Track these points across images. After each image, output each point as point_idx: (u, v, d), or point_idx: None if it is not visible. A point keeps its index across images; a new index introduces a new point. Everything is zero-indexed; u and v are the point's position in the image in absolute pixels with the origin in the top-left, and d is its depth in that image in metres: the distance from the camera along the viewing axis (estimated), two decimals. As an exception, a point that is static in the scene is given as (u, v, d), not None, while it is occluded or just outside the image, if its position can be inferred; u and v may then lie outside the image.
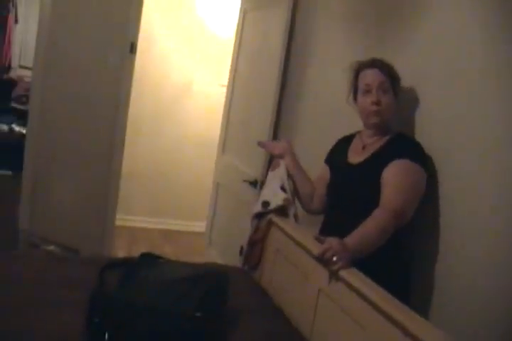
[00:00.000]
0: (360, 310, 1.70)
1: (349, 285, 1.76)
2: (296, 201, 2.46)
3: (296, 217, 2.41)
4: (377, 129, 2.15)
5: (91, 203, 4.06)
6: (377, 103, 2.07)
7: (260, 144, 2.72)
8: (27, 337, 1.75)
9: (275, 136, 3.40)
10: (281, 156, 2.49)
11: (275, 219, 2.39)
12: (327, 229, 2.21)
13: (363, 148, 2.18)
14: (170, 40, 5.11)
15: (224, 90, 4.55)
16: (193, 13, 5.14)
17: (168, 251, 4.42)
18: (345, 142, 2.32)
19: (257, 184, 3.33)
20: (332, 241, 1.81)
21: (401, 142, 2.09)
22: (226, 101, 4.13)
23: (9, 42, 5.82)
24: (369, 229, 1.90)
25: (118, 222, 4.28)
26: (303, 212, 2.50)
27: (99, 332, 1.78)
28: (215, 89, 5.13)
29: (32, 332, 1.78)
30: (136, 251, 4.35)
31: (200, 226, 5.00)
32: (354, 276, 1.79)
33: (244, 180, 3.44)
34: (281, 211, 2.40)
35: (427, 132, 2.12)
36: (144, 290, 1.87)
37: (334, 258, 1.79)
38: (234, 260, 3.03)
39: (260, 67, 3.61)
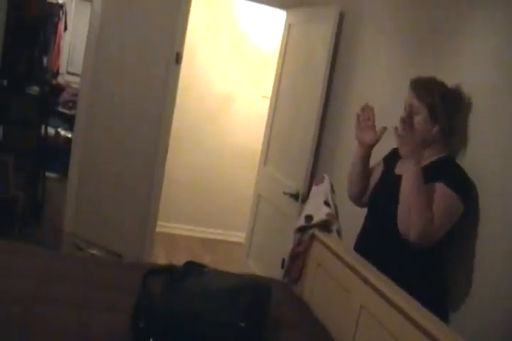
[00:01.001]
0: (401, 329, 1.71)
1: (391, 303, 1.77)
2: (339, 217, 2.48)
3: (339, 232, 2.42)
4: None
5: (133, 209, 4.16)
6: (403, 122, 2.05)
7: (359, 118, 2.36)
8: (73, 336, 1.80)
9: (318, 150, 3.43)
10: (369, 146, 2.35)
11: (318, 233, 2.42)
12: (364, 237, 2.24)
13: None
14: (213, 51, 5.19)
15: (266, 101, 4.60)
16: (236, 26, 5.21)
17: (206, 259, 4.46)
18: None
19: (298, 197, 3.36)
20: None
21: (444, 166, 2.10)
22: (269, 114, 4.17)
23: (58, 49, 5.98)
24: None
25: (158, 229, 4.37)
26: (346, 228, 2.52)
27: (143, 337, 1.83)
28: (257, 101, 5.19)
29: (78, 331, 1.84)
30: (174, 258, 4.46)
31: (238, 236, 5.07)
32: (396, 294, 1.80)
33: (285, 193, 3.47)
34: (324, 226, 2.42)
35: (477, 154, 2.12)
36: (189, 298, 1.90)
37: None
38: (272, 272, 3.06)
39: (305, 80, 3.64)
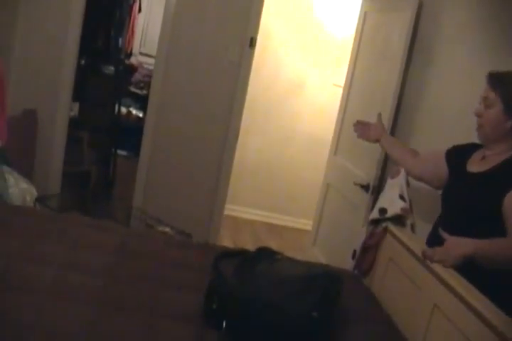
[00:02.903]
0: (476, 332, 1.68)
1: (466, 304, 1.74)
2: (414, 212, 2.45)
3: (413, 227, 2.40)
4: (486, 143, 2.12)
5: (202, 190, 4.27)
6: (478, 115, 2.08)
7: (355, 128, 2.84)
8: (151, 312, 1.86)
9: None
10: (378, 140, 2.68)
11: (391, 227, 2.39)
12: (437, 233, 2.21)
13: (482, 158, 2.13)
14: (286, 37, 5.16)
15: (337, 90, 4.55)
16: (309, 13, 5.15)
17: (271, 245, 4.48)
18: (472, 147, 2.25)
19: (368, 188, 3.33)
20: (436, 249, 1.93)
21: None
22: (341, 102, 4.13)
23: (133, 30, 6.06)
24: (502, 243, 1.87)
25: (225, 212, 4.45)
26: (421, 223, 2.49)
27: (217, 319, 1.86)
28: (328, 89, 5.15)
29: (155, 307, 1.89)
30: (240, 242, 4.52)
31: (305, 223, 5.08)
32: (472, 295, 1.77)
33: (356, 183, 3.44)
34: (398, 220, 2.40)
35: None
36: (261, 285, 1.91)
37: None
38: (338, 261, 3.06)
39: (379, 70, 3.58)
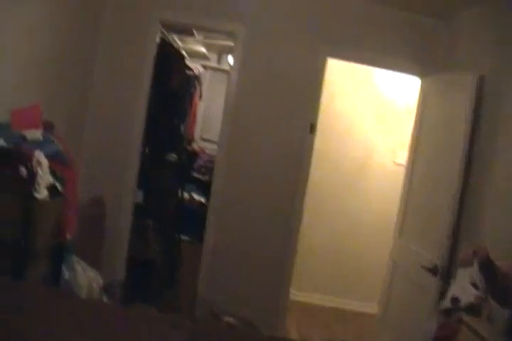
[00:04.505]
0: None
1: None
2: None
3: (490, 317, 2.26)
4: None
5: (267, 276, 4.23)
6: None
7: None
8: None
9: (459, 222, 3.28)
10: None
11: (466, 317, 2.27)
12: None
13: None
14: (349, 118, 5.25)
15: (399, 169, 4.52)
16: (373, 92, 5.26)
17: (338, 330, 4.35)
18: None
19: (437, 271, 3.20)
20: None
21: None
22: (405, 183, 4.08)
23: (194, 117, 6.30)
24: None
25: (291, 297, 4.36)
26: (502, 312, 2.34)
27: None
28: (391, 167, 5.14)
29: None
30: (306, 328, 4.39)
31: (372, 307, 4.90)
32: None
33: (423, 266, 3.33)
34: (473, 309, 2.27)
35: None
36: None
37: None
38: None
39: (443, 151, 3.54)
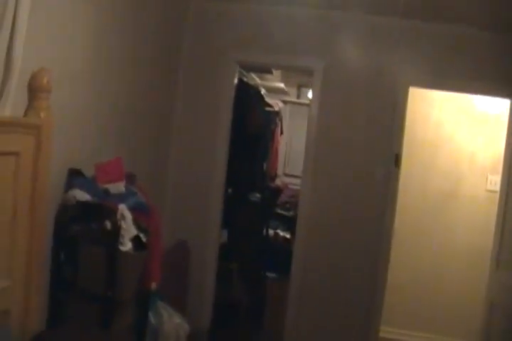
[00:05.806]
0: None
1: None
2: None
3: None
4: None
5: (355, 312, 4.12)
6: None
7: None
8: None
9: None
10: None
11: None
12: None
13: None
14: (430, 148, 5.01)
15: (492, 195, 4.30)
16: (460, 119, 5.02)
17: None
18: None
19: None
20: None
21: None
22: (499, 209, 3.86)
23: (276, 153, 6.29)
24: None
25: (381, 334, 4.19)
26: None
27: None
28: (482, 195, 4.85)
29: None
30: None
31: (465, 344, 4.60)
32: None
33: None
34: None
35: None
36: None
37: None
38: None
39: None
